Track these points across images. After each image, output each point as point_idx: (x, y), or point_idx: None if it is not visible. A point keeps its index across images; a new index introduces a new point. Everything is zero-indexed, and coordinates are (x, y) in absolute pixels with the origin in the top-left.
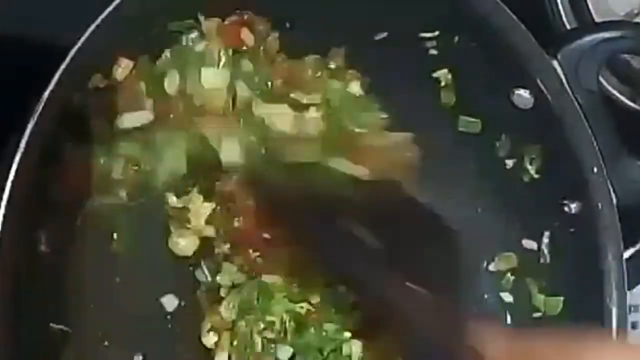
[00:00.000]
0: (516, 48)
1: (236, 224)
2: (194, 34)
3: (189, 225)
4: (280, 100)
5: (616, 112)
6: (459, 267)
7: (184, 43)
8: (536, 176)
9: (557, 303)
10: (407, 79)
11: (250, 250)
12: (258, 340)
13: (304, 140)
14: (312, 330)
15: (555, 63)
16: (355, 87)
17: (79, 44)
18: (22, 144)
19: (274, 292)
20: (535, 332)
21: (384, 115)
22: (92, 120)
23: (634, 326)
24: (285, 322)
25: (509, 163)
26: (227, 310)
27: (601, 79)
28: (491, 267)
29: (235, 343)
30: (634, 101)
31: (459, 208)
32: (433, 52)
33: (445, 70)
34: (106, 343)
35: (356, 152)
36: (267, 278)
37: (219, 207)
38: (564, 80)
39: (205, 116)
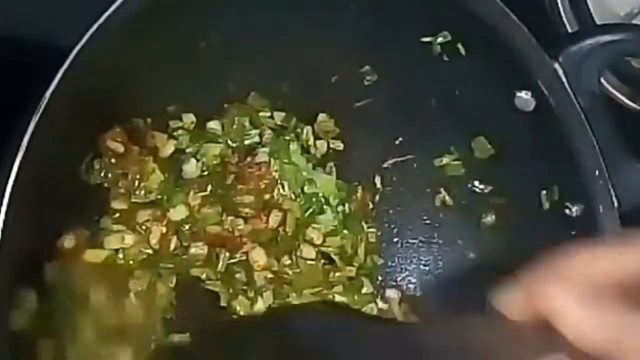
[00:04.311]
0: (518, 50)
1: None
2: None
3: None
4: None
5: (616, 112)
6: None
7: None
8: None
9: None
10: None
11: None
12: None
13: None
14: None
15: (556, 65)
16: None
17: (80, 44)
18: (23, 145)
19: None
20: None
21: None
22: None
23: None
24: None
25: None
26: None
27: (601, 80)
28: None
29: None
30: (634, 101)
31: None
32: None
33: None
34: None
35: None
36: None
37: None
38: (565, 83)
39: None
